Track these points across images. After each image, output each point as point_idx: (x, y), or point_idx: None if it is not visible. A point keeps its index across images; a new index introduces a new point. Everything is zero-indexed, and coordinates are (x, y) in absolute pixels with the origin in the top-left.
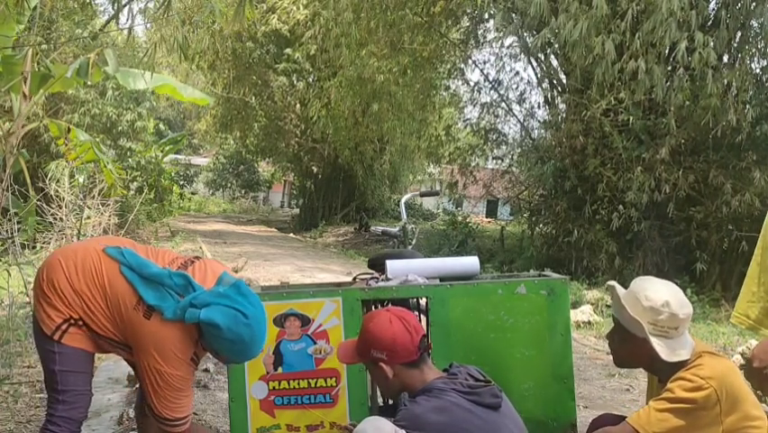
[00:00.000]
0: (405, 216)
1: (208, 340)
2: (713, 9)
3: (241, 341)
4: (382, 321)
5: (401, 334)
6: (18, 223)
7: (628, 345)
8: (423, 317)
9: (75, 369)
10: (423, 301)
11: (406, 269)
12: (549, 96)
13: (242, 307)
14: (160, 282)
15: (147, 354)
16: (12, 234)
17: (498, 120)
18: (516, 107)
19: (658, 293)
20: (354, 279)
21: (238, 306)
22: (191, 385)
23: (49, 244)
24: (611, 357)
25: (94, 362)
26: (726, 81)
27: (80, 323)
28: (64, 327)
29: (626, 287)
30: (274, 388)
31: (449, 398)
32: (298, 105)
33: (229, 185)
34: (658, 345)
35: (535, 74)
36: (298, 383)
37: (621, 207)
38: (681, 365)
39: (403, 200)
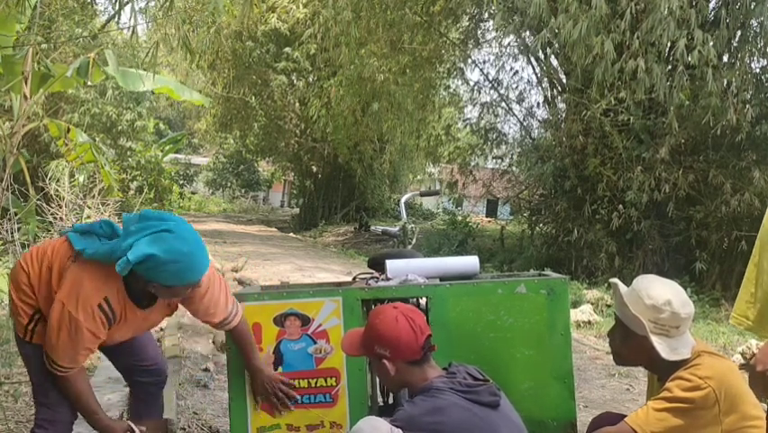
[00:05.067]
0: (405, 216)
1: (156, 278)
2: (713, 8)
3: (182, 255)
4: (389, 318)
5: (406, 332)
6: (18, 223)
7: (629, 343)
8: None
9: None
10: (423, 301)
11: (405, 268)
12: (549, 95)
13: (161, 227)
14: (90, 231)
15: (61, 291)
16: (12, 234)
17: (498, 120)
18: (515, 107)
19: (660, 291)
20: (354, 278)
21: (157, 228)
22: (88, 339)
23: None
24: (611, 356)
25: None
26: (725, 81)
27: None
28: (31, 326)
29: (626, 286)
30: None
31: (447, 397)
32: (298, 105)
33: (229, 184)
34: (658, 343)
35: (535, 74)
36: (298, 383)
37: (621, 206)
38: (680, 365)
39: (403, 200)
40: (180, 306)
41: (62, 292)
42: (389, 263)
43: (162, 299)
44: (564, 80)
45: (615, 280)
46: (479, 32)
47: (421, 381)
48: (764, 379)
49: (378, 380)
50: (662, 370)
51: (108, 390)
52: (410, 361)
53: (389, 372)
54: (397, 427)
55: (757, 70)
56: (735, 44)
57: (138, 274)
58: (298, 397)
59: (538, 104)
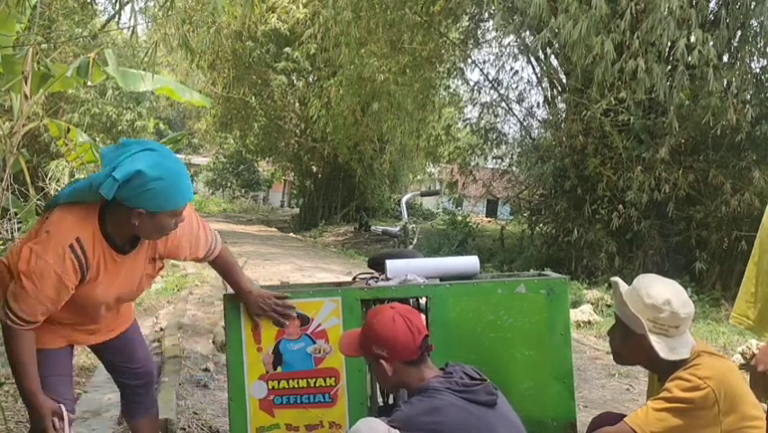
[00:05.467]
0: (405, 216)
1: (141, 202)
2: (713, 8)
3: (169, 172)
4: (386, 319)
5: (403, 333)
6: (18, 223)
7: (628, 342)
8: (423, 317)
9: (47, 373)
10: (422, 301)
11: (405, 268)
12: (549, 95)
13: (143, 146)
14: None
15: (30, 240)
16: (12, 234)
17: (498, 120)
18: (515, 107)
19: (660, 291)
20: (354, 278)
21: (139, 149)
22: (53, 285)
23: None
24: (611, 356)
25: (64, 363)
26: (725, 81)
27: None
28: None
29: (627, 285)
30: (273, 387)
31: (444, 397)
32: (298, 105)
33: (229, 184)
34: (657, 342)
35: (535, 74)
36: (298, 383)
37: (621, 206)
38: (680, 364)
39: (404, 200)
40: (167, 263)
41: (31, 240)
42: (389, 263)
43: (145, 238)
44: (564, 80)
45: (615, 278)
46: (479, 31)
47: (418, 381)
48: (765, 379)
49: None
50: (661, 369)
51: (108, 389)
52: (407, 361)
53: (387, 372)
54: (395, 427)
55: (757, 70)
56: (735, 44)
57: (121, 205)
58: (294, 306)
59: (538, 104)
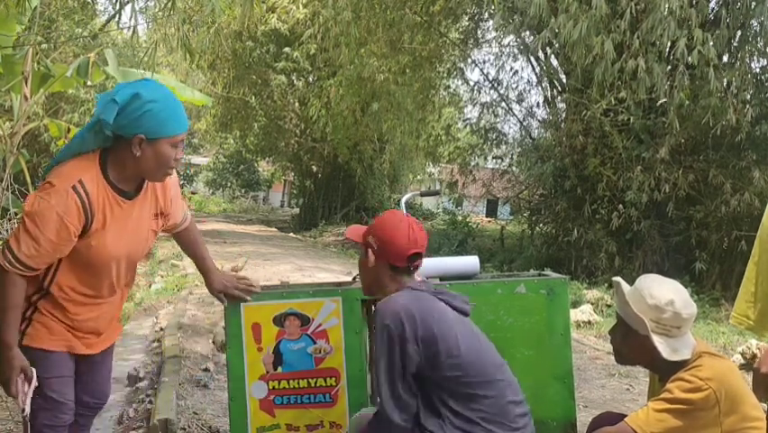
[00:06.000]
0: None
1: (140, 126)
2: (713, 8)
3: (165, 97)
4: (395, 218)
5: (401, 237)
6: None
7: (630, 342)
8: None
9: (46, 373)
10: None
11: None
12: (549, 95)
13: (137, 79)
14: None
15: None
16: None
17: (498, 120)
18: (515, 107)
19: (663, 291)
20: (354, 278)
21: (134, 81)
22: (55, 227)
23: None
24: (612, 356)
25: (65, 365)
26: (725, 81)
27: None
28: (23, 327)
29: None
30: (274, 387)
31: (421, 293)
32: (298, 105)
33: (229, 184)
34: (659, 343)
35: (535, 74)
36: (298, 383)
37: (621, 206)
38: (681, 365)
39: (403, 200)
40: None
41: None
42: None
43: (148, 176)
44: (564, 80)
45: (617, 278)
46: (479, 31)
47: (395, 288)
48: (767, 380)
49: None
50: (662, 370)
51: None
52: (391, 265)
53: (368, 262)
54: (384, 327)
55: (757, 70)
56: (735, 44)
57: (121, 139)
58: (258, 288)
59: (538, 104)
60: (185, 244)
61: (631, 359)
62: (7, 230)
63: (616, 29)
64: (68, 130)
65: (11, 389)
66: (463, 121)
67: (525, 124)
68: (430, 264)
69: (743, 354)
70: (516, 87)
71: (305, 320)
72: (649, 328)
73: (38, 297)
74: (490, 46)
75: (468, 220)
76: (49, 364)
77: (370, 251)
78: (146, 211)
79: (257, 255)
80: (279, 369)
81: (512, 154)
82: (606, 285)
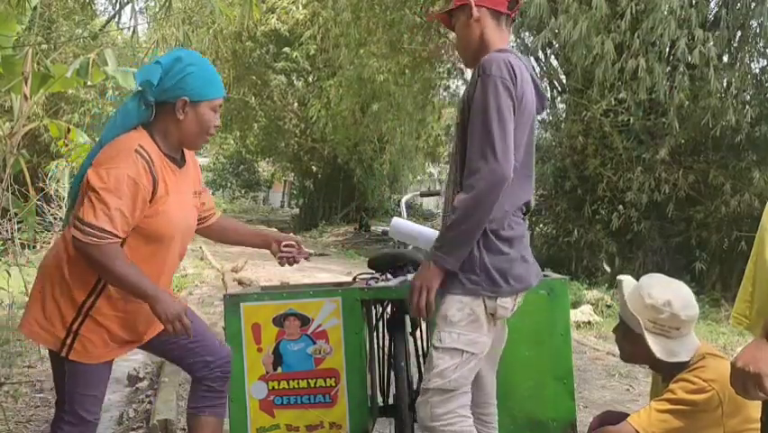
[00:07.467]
0: (405, 217)
1: (183, 88)
2: (713, 8)
3: (203, 62)
4: None
5: None
6: (18, 223)
7: (628, 340)
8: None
9: (84, 391)
10: None
11: (408, 229)
12: (549, 95)
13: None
14: None
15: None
16: (12, 234)
17: None
18: None
19: (662, 292)
20: (354, 278)
21: (172, 51)
22: (128, 188)
23: (49, 243)
24: (612, 357)
25: (101, 381)
26: (725, 81)
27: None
28: (69, 340)
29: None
30: (273, 388)
31: (521, 63)
32: (297, 105)
33: (229, 185)
34: (654, 343)
35: (535, 74)
36: (298, 383)
37: (621, 207)
38: (683, 366)
39: (403, 200)
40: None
41: (99, 161)
42: (394, 221)
43: (190, 143)
44: (564, 80)
45: (622, 276)
46: None
47: (500, 41)
48: (744, 375)
49: (377, 380)
50: (664, 370)
51: (108, 390)
52: (493, 11)
53: (470, 18)
54: (497, 75)
55: (757, 71)
56: (735, 44)
57: (165, 104)
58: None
59: None
60: (227, 230)
61: (633, 357)
62: (7, 230)
63: (616, 29)
64: (69, 130)
65: (183, 320)
66: None
67: None
68: (430, 233)
69: None
70: None
71: (305, 321)
72: (643, 327)
73: (91, 301)
74: None
75: None
76: (87, 380)
77: (469, 5)
78: (189, 186)
79: (257, 255)
80: (279, 369)
81: None
82: (606, 285)
